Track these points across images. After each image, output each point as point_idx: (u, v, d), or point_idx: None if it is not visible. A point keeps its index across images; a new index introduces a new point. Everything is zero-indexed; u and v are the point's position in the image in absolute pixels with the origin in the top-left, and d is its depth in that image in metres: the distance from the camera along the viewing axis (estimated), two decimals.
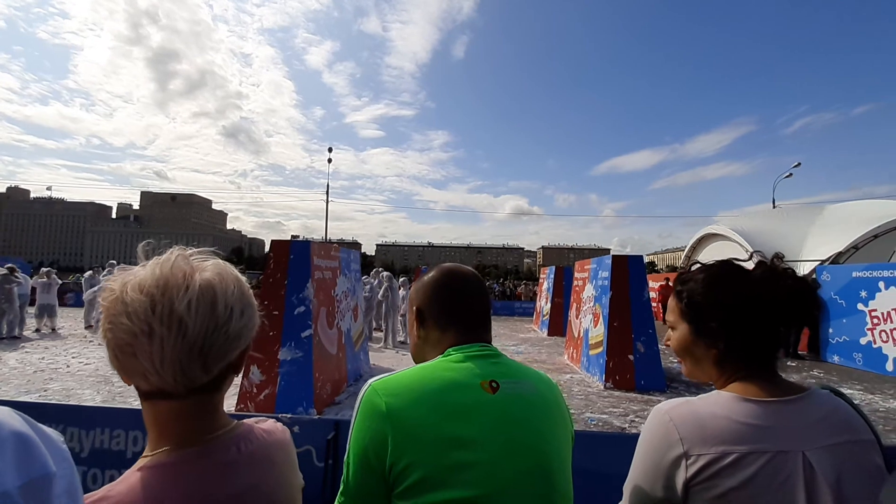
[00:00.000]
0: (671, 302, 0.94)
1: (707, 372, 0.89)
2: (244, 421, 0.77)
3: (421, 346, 0.96)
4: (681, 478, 0.75)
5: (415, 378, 0.81)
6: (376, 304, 10.98)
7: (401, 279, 12.57)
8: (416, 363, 0.91)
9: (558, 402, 0.89)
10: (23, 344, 9.58)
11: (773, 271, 0.84)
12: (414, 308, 0.97)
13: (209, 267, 0.67)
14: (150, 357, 0.60)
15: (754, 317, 0.82)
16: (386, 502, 0.75)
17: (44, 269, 11.96)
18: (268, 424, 0.79)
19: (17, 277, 10.46)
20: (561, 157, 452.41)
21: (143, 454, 0.66)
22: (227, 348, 0.65)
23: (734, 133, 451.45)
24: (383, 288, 10.80)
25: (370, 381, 0.81)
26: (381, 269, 12.38)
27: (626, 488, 0.86)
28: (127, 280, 0.63)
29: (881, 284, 8.54)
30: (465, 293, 0.95)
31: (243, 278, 0.72)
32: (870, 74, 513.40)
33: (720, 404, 0.79)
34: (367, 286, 10.86)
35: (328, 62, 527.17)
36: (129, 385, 0.64)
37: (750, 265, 0.88)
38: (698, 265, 0.92)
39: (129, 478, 0.61)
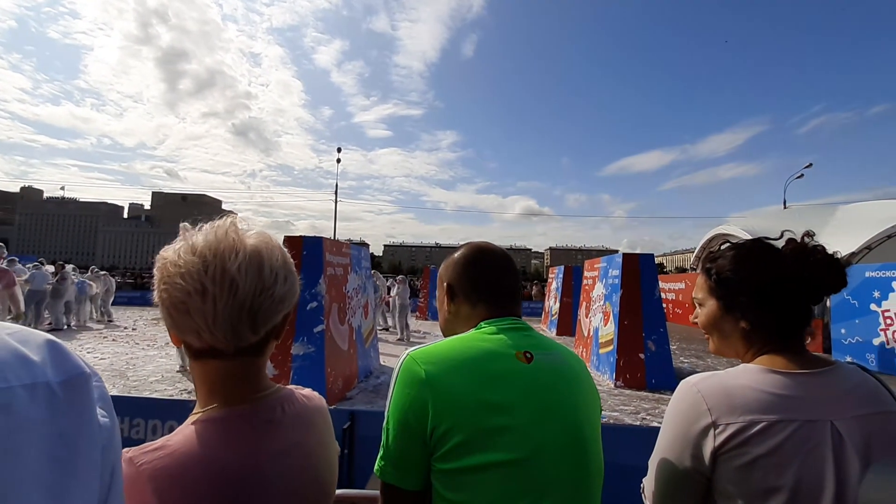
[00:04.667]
0: (700, 279, 0.95)
1: (735, 347, 0.90)
2: (286, 386, 0.80)
3: (452, 321, 0.98)
4: (709, 447, 0.76)
5: (452, 348, 0.83)
6: (394, 303, 11.68)
7: (398, 277, 13.00)
8: (447, 337, 0.93)
9: (587, 376, 0.91)
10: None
11: (804, 247, 0.85)
12: (445, 284, 0.99)
13: (255, 235, 0.71)
14: (202, 315, 0.64)
15: (785, 292, 0.83)
16: (425, 466, 0.77)
17: (69, 268, 12.22)
18: (307, 391, 0.83)
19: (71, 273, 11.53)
20: (570, 157, 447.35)
21: (194, 411, 0.69)
22: (273, 311, 0.69)
23: (746, 133, 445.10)
24: (397, 287, 11.44)
25: (407, 350, 0.83)
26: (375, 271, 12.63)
27: (653, 461, 0.87)
28: (180, 246, 0.67)
29: (895, 284, 8.43)
30: (495, 269, 0.96)
31: (284, 249, 0.75)
32: (885, 74, 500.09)
33: (747, 376, 0.80)
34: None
35: (337, 61, 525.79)
36: (178, 346, 0.68)
37: (780, 244, 0.89)
38: (727, 244, 0.93)
39: (184, 430, 0.64)
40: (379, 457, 0.80)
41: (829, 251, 0.84)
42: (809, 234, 0.88)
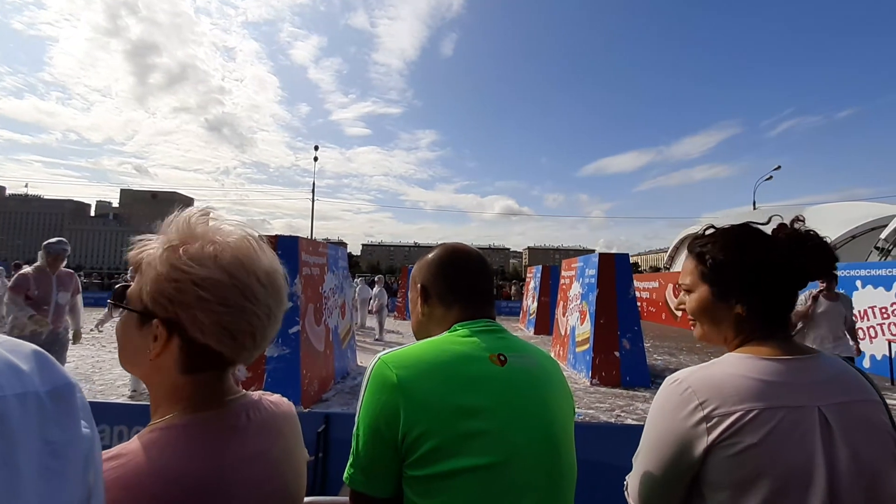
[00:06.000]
0: (688, 264, 0.93)
1: (724, 333, 0.89)
2: (253, 392, 0.77)
3: (425, 323, 0.96)
4: (702, 441, 0.75)
5: (424, 351, 0.81)
6: (375, 304, 12.09)
7: (377, 278, 13.32)
8: (419, 339, 0.92)
9: (561, 376, 0.91)
10: None
11: (798, 232, 0.85)
12: (418, 285, 0.97)
13: (267, 249, 0.73)
14: (254, 334, 0.67)
15: (779, 277, 0.83)
16: (396, 472, 0.76)
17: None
18: (275, 397, 0.80)
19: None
20: (548, 157, 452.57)
21: (153, 419, 0.66)
22: None
23: (719, 135, 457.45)
24: (377, 289, 11.96)
25: (378, 354, 0.81)
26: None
27: (639, 460, 0.85)
28: (228, 263, 0.65)
29: (858, 283, 8.81)
30: (469, 271, 0.95)
31: None
32: (853, 79, 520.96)
33: (735, 364, 0.79)
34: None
35: (314, 58, 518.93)
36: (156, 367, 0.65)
37: (767, 228, 0.88)
38: (713, 229, 0.92)
39: (142, 437, 0.61)
40: (349, 464, 0.78)
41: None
42: (800, 218, 0.88)
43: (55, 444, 0.37)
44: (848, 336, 4.78)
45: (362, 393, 0.79)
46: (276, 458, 0.71)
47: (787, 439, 0.72)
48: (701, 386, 0.78)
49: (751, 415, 0.73)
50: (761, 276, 0.83)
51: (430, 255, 0.99)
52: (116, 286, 0.69)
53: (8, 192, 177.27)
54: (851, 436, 0.73)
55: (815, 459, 0.71)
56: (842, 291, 5.09)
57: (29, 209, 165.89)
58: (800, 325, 4.67)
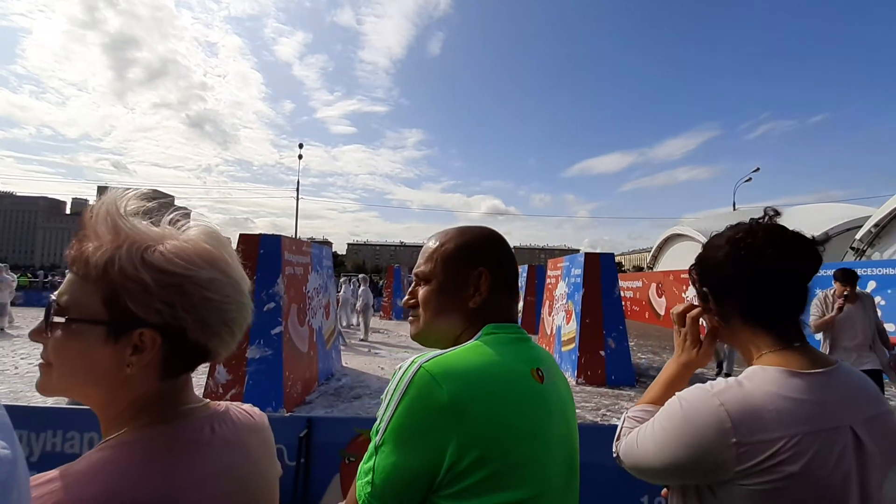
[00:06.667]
0: (696, 295, 0.92)
1: (743, 348, 0.85)
2: (220, 402, 0.70)
3: (444, 321, 0.79)
4: (727, 467, 0.70)
5: (469, 359, 0.68)
6: (356, 303, 12.07)
7: (360, 276, 13.21)
8: (429, 338, 0.82)
9: (570, 389, 0.84)
10: None
11: (769, 227, 0.82)
12: (476, 270, 0.79)
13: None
14: (243, 324, 0.66)
15: (781, 282, 0.79)
16: (420, 500, 0.64)
17: None
18: (245, 406, 0.74)
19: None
20: (535, 157, 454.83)
21: (104, 438, 0.59)
22: None
23: (700, 138, 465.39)
24: (361, 288, 11.87)
25: (418, 361, 0.67)
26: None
27: (654, 440, 0.79)
28: (217, 260, 0.63)
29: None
30: (515, 263, 0.84)
31: None
32: (825, 84, 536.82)
33: (769, 381, 0.74)
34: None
35: (299, 54, 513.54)
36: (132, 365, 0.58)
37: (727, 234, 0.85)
38: (715, 240, 0.88)
39: (91, 456, 0.54)
40: (367, 488, 0.64)
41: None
42: (768, 213, 0.85)
43: None
44: (879, 342, 4.00)
45: (395, 404, 0.64)
46: (242, 475, 0.64)
47: (826, 464, 0.68)
48: (736, 408, 0.71)
49: (793, 441, 0.68)
50: (746, 284, 0.81)
51: (474, 231, 0.84)
52: (53, 299, 0.59)
53: None
54: (880, 452, 0.71)
55: (850, 481, 0.68)
56: (866, 291, 4.38)
57: (0, 206, 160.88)
58: (820, 335, 4.22)
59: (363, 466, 0.66)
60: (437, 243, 0.83)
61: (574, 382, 7.05)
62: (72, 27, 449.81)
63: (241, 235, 5.71)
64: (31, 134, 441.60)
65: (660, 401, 0.90)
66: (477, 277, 0.78)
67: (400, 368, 0.67)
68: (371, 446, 0.66)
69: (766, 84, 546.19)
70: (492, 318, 0.78)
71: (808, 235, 0.82)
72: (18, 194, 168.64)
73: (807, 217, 17.55)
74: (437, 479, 0.62)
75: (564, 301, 8.30)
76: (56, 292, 0.59)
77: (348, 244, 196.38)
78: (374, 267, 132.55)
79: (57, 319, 0.57)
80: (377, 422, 0.66)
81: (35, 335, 0.59)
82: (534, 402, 0.70)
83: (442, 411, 0.62)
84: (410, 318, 0.86)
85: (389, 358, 8.96)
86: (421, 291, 0.82)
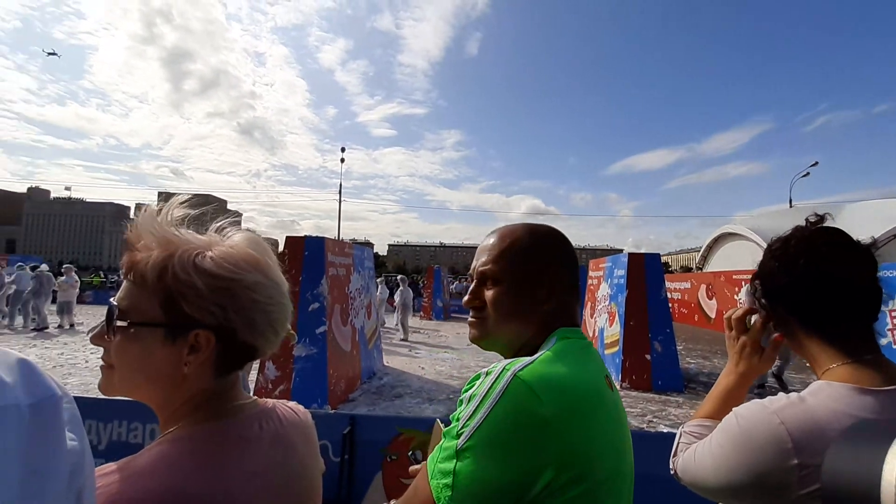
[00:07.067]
0: (760, 311, 0.88)
1: (809, 358, 0.80)
2: (267, 399, 0.74)
3: (511, 324, 0.75)
4: (789, 491, 0.65)
5: (563, 373, 0.64)
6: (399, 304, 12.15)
7: (399, 277, 13.30)
8: (490, 343, 0.78)
9: None
10: (43, 339, 9.77)
11: (854, 243, 0.77)
12: (545, 269, 0.76)
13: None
14: (285, 324, 0.70)
15: (840, 289, 0.75)
16: None
17: (66, 266, 12.20)
18: (291, 404, 0.78)
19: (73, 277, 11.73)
20: (575, 156, 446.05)
21: (163, 431, 0.63)
22: None
23: (752, 131, 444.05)
24: (401, 289, 12.04)
25: (511, 368, 0.63)
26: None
27: (714, 456, 0.76)
28: (260, 264, 0.66)
29: None
30: (577, 265, 0.82)
31: None
32: (889, 73, 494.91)
33: (836, 398, 0.68)
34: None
35: (341, 60, 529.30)
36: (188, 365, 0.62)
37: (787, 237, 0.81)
38: (772, 244, 0.83)
39: (150, 451, 0.58)
40: (446, 489, 0.61)
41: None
42: (820, 216, 0.80)
43: (34, 460, 0.35)
44: None
45: (486, 411, 0.60)
46: (288, 471, 0.68)
47: None
48: (797, 426, 0.67)
49: None
50: (797, 293, 0.76)
51: (542, 229, 0.80)
52: (113, 303, 0.62)
53: (52, 195, 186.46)
54: None
55: None
56: None
57: (72, 212, 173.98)
58: None
59: (439, 465, 0.62)
60: (507, 241, 0.78)
61: (618, 387, 6.85)
62: (133, 43, 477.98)
63: (287, 238, 5.92)
64: (98, 144, 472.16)
65: (717, 414, 0.86)
66: (550, 278, 0.75)
67: (488, 374, 0.64)
68: (449, 447, 0.62)
69: (826, 73, 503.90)
70: (562, 322, 0.75)
71: (859, 238, 0.77)
72: (88, 200, 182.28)
73: (871, 213, 16.29)
74: (529, 495, 0.59)
75: (607, 303, 8.07)
76: (115, 298, 0.63)
77: (389, 245, 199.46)
78: (415, 267, 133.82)
79: (120, 323, 0.60)
80: (457, 423, 0.63)
81: (97, 339, 0.63)
82: (612, 412, 0.67)
83: (542, 427, 0.59)
84: (471, 319, 0.80)
85: (429, 358, 9.03)
86: (490, 293, 0.76)
